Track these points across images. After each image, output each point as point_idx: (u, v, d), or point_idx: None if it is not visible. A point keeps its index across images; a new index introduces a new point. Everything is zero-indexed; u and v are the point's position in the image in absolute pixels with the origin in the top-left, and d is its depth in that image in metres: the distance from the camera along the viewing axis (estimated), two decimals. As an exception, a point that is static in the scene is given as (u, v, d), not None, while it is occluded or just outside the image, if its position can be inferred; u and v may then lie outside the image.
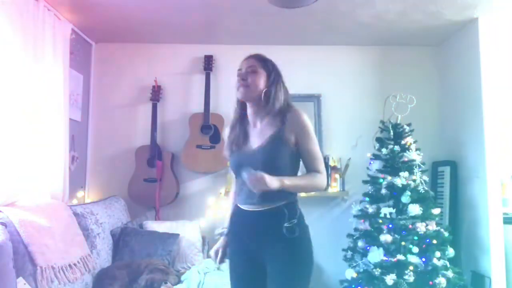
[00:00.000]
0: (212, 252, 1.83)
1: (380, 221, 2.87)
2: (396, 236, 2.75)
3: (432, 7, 2.87)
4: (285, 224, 1.56)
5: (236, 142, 1.72)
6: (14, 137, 2.26)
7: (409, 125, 3.04)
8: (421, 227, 2.75)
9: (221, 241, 1.82)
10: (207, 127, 3.42)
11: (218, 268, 2.95)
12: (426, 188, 2.86)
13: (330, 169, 3.42)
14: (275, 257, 1.59)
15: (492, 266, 2.87)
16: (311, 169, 1.67)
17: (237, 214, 1.73)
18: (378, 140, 3.07)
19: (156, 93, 3.49)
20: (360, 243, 2.92)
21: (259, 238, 1.63)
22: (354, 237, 3.00)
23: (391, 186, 2.86)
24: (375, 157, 3.03)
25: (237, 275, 1.72)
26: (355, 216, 3.05)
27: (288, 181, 1.56)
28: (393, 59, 3.67)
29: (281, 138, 1.62)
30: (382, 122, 3.10)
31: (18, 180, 2.26)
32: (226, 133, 1.81)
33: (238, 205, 1.72)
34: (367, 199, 3.00)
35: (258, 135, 1.68)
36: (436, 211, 2.86)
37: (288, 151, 1.63)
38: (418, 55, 3.68)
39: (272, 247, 1.59)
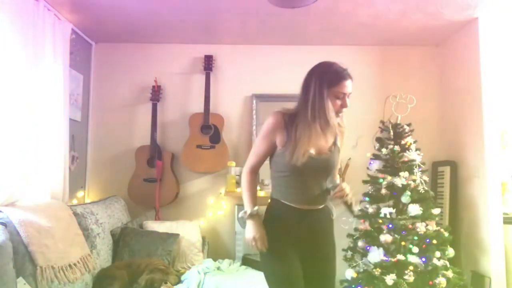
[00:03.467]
0: (259, 237, 1.70)
1: (380, 221, 2.87)
2: (396, 236, 2.75)
3: (432, 7, 2.87)
4: (332, 217, 1.86)
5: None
6: (14, 137, 2.26)
7: (409, 125, 3.04)
8: (421, 227, 2.75)
9: (260, 224, 1.74)
10: (207, 127, 3.42)
11: (219, 268, 2.96)
12: (426, 188, 2.86)
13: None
14: (330, 245, 1.84)
15: (492, 266, 2.87)
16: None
17: (289, 211, 1.75)
18: (378, 140, 3.06)
19: (156, 93, 3.49)
20: (360, 243, 2.92)
21: (315, 231, 1.78)
22: (354, 237, 3.00)
23: (391, 186, 2.85)
24: (375, 157, 3.02)
25: (289, 262, 1.72)
26: (355, 216, 3.04)
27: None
28: (393, 59, 3.68)
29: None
30: (382, 122, 3.10)
31: (18, 180, 2.26)
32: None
33: (288, 203, 1.74)
34: (367, 199, 3.00)
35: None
36: (436, 211, 2.86)
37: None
38: (418, 55, 3.68)
39: (327, 237, 1.83)
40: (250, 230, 1.72)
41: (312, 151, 1.72)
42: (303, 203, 1.74)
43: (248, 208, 1.76)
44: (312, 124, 1.69)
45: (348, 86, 1.74)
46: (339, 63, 1.81)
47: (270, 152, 1.79)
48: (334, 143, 1.83)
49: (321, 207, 1.80)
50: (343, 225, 2.97)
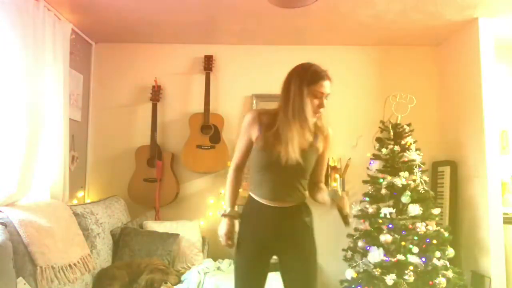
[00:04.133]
0: (225, 234, 1.84)
1: (380, 221, 2.87)
2: (396, 236, 2.75)
3: (432, 7, 2.87)
4: (305, 218, 1.88)
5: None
6: (14, 137, 2.26)
7: (409, 125, 3.04)
8: (421, 227, 2.75)
9: (231, 223, 1.86)
10: (207, 127, 3.42)
11: (219, 268, 2.96)
12: (426, 188, 2.86)
13: (330, 169, 3.42)
14: (301, 245, 1.86)
15: (492, 266, 2.87)
16: None
17: (260, 208, 1.81)
18: (378, 140, 3.07)
19: (156, 93, 3.49)
20: (360, 243, 2.92)
21: (283, 230, 1.81)
22: (354, 237, 3.00)
23: (391, 186, 2.85)
24: (375, 157, 3.02)
25: (250, 261, 1.84)
26: (355, 216, 3.04)
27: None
28: (393, 59, 3.68)
29: None
30: (382, 122, 3.10)
31: (18, 180, 2.26)
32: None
33: (260, 200, 1.81)
34: (367, 199, 3.00)
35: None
36: (436, 211, 2.86)
37: None
38: (418, 55, 3.68)
39: (298, 237, 1.85)
40: (220, 228, 1.86)
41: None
42: (273, 199, 1.79)
43: (226, 207, 1.87)
44: (293, 122, 1.72)
45: (326, 86, 1.77)
46: (319, 65, 1.84)
47: (250, 148, 1.84)
48: (312, 144, 1.81)
49: (293, 205, 1.82)
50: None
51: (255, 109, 1.87)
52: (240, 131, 1.86)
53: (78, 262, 2.26)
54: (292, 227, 1.83)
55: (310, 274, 1.84)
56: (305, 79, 1.75)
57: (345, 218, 1.79)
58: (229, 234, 1.84)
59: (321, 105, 1.75)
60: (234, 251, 1.86)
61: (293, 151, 1.69)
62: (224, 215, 1.85)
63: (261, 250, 1.82)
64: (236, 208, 1.89)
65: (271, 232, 1.81)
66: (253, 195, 1.84)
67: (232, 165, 1.90)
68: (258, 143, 1.77)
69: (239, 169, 1.90)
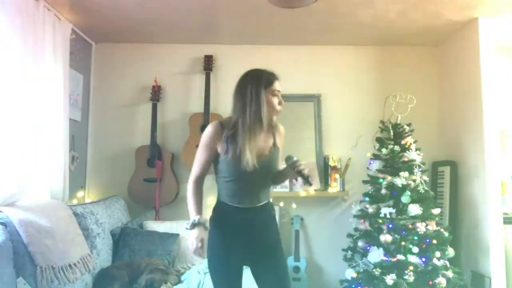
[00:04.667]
0: (195, 245, 1.78)
1: (380, 221, 2.88)
2: (396, 236, 2.75)
3: (432, 7, 2.87)
4: (272, 212, 1.97)
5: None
6: (14, 137, 2.26)
7: (409, 125, 3.04)
8: (421, 227, 2.75)
9: (202, 234, 1.81)
10: (207, 127, 3.42)
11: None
12: (426, 188, 2.86)
13: (330, 169, 3.42)
14: (271, 238, 1.93)
15: (492, 266, 2.87)
16: None
17: (232, 210, 1.86)
18: (378, 140, 3.07)
19: (156, 93, 3.49)
20: (360, 243, 2.92)
21: (256, 225, 1.88)
22: (354, 237, 3.00)
23: (391, 186, 2.86)
24: (375, 157, 3.03)
25: (227, 263, 1.86)
26: (355, 216, 3.05)
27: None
28: (393, 59, 3.68)
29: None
30: (382, 122, 3.10)
31: (18, 180, 2.26)
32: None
33: (232, 204, 1.86)
34: (367, 199, 3.00)
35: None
36: (436, 211, 2.86)
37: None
38: (418, 55, 3.68)
39: (270, 230, 1.95)
40: (193, 239, 1.78)
41: (252, 155, 1.79)
42: (247, 203, 1.86)
43: (191, 217, 1.82)
44: (252, 128, 1.78)
45: (279, 85, 1.88)
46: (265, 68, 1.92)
47: (212, 160, 1.89)
48: (274, 144, 1.91)
49: (263, 203, 1.90)
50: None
51: (216, 121, 1.90)
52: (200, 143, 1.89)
53: (78, 262, 2.26)
54: (264, 221, 1.92)
55: (283, 261, 1.95)
56: (261, 83, 1.81)
57: (306, 179, 1.81)
58: (203, 242, 1.80)
59: (280, 102, 1.87)
60: (208, 257, 1.86)
61: (253, 158, 1.75)
62: (194, 225, 1.79)
63: (235, 249, 1.85)
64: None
65: (245, 230, 1.86)
66: (226, 202, 1.87)
67: (192, 177, 1.90)
68: (225, 154, 1.80)
69: (200, 180, 1.91)
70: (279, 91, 1.86)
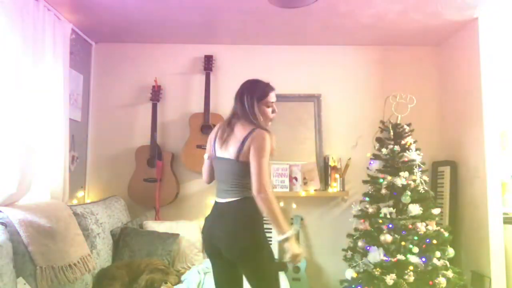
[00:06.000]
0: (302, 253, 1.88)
1: (380, 221, 2.87)
2: (396, 236, 2.75)
3: (432, 7, 2.87)
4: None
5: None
6: (14, 137, 2.26)
7: (409, 125, 3.04)
8: (421, 227, 2.75)
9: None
10: (207, 127, 3.42)
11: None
12: (426, 188, 2.86)
13: (330, 169, 3.42)
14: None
15: (492, 266, 2.87)
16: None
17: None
18: (378, 140, 3.07)
19: (156, 93, 3.49)
20: (360, 243, 2.92)
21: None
22: (354, 237, 3.00)
23: (391, 186, 2.86)
24: (375, 157, 3.03)
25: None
26: (355, 216, 3.05)
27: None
28: (393, 59, 3.68)
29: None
30: (382, 122, 3.11)
31: (18, 180, 2.26)
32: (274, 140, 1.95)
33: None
34: (367, 199, 3.00)
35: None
36: (436, 211, 2.86)
37: None
38: (418, 55, 3.68)
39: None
40: (296, 248, 1.82)
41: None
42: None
43: (287, 229, 1.82)
44: None
45: (274, 96, 2.05)
46: (262, 79, 2.07)
47: None
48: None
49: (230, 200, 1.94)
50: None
51: (268, 130, 1.97)
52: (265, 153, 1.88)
53: (78, 262, 2.26)
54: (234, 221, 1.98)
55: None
56: (255, 95, 1.97)
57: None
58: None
59: (274, 111, 2.05)
60: (266, 257, 1.90)
61: None
62: (290, 236, 1.81)
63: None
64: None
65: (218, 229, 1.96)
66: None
67: (269, 186, 1.86)
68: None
69: None
70: (272, 102, 2.02)
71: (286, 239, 1.79)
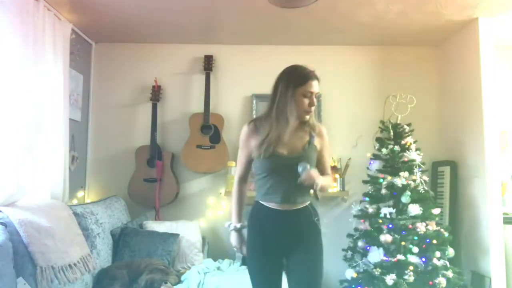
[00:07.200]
0: (237, 246, 1.95)
1: (380, 221, 2.87)
2: (396, 236, 2.75)
3: (432, 7, 2.87)
4: (315, 219, 1.86)
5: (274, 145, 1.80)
6: (14, 137, 2.26)
7: (409, 125, 3.04)
8: (421, 227, 2.75)
9: (240, 235, 1.96)
10: (207, 127, 3.42)
11: (219, 268, 2.96)
12: (426, 188, 2.86)
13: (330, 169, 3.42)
14: (307, 247, 1.83)
15: (492, 266, 2.87)
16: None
17: (267, 213, 1.83)
18: (378, 140, 3.07)
19: (156, 93, 3.49)
20: (360, 243, 2.92)
21: (293, 232, 1.82)
22: (354, 237, 3.00)
23: (391, 186, 2.86)
24: (375, 157, 3.03)
25: (263, 268, 1.87)
26: (355, 216, 3.05)
27: (322, 180, 1.76)
28: (393, 59, 3.67)
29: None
30: (382, 122, 3.10)
31: (18, 180, 2.26)
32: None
33: (267, 204, 1.83)
34: (367, 199, 3.00)
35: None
36: (436, 211, 2.86)
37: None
38: (418, 55, 3.68)
39: (306, 239, 1.83)
40: (232, 240, 1.97)
41: (283, 150, 1.80)
42: (281, 203, 1.81)
43: (233, 222, 1.95)
44: (275, 123, 1.78)
45: (315, 86, 1.85)
46: (306, 66, 1.91)
47: (251, 159, 1.89)
48: (309, 142, 1.86)
49: (300, 207, 1.84)
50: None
51: (251, 120, 1.92)
52: (239, 143, 1.92)
53: (78, 262, 2.26)
54: (301, 228, 1.84)
55: (315, 276, 1.84)
56: (292, 81, 1.81)
57: (314, 192, 1.83)
58: (241, 244, 1.94)
59: (311, 104, 1.83)
60: (247, 259, 1.93)
61: (265, 150, 1.76)
62: (232, 230, 1.94)
63: (271, 254, 1.84)
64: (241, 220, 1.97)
65: (280, 235, 1.82)
66: (260, 200, 1.86)
67: (236, 178, 1.95)
68: (258, 150, 1.79)
69: (244, 180, 1.96)
70: (311, 92, 1.82)
71: (229, 229, 1.95)
